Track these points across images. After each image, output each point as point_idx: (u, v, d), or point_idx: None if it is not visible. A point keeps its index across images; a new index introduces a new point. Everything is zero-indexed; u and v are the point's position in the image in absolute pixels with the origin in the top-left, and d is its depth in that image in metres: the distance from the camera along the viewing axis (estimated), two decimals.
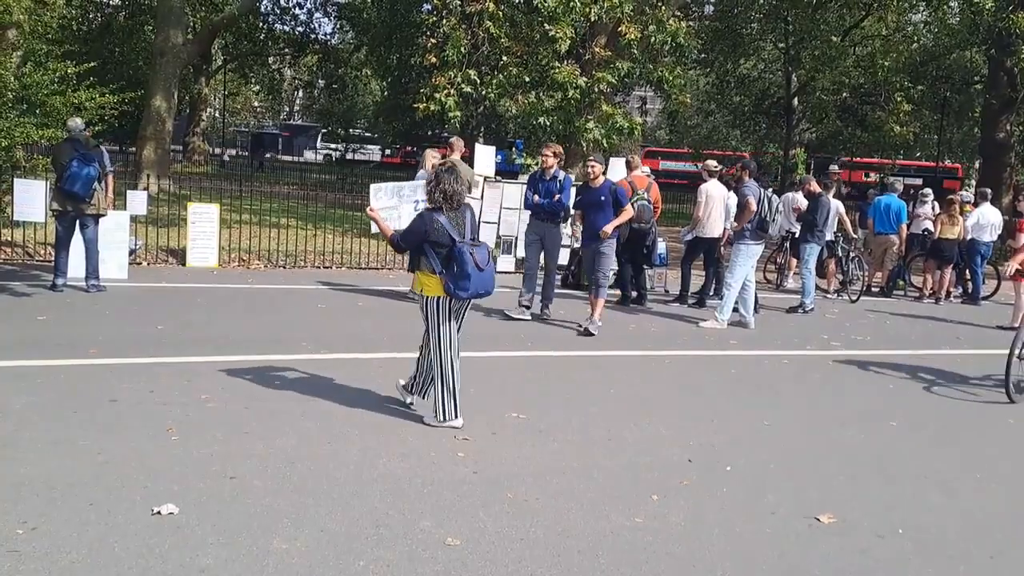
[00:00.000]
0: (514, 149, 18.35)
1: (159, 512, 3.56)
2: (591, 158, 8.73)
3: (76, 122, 8.77)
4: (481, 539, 3.57)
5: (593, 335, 7.96)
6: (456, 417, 4.97)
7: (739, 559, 3.57)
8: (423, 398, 5.16)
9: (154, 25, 21.00)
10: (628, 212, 8.54)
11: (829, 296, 11.77)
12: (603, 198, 8.32)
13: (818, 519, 4.02)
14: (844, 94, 29.56)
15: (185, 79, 30.32)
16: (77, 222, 8.43)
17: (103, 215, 8.64)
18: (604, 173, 8.72)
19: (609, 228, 8.20)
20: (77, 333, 6.71)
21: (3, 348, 6.05)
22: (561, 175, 8.67)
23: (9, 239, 10.70)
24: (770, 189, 9.32)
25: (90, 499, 3.66)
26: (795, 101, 31.12)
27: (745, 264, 8.86)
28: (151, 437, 4.47)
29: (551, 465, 4.53)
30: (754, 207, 8.72)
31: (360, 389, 5.62)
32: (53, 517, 3.47)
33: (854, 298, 11.52)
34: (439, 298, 4.93)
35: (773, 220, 8.90)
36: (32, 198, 9.37)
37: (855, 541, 3.82)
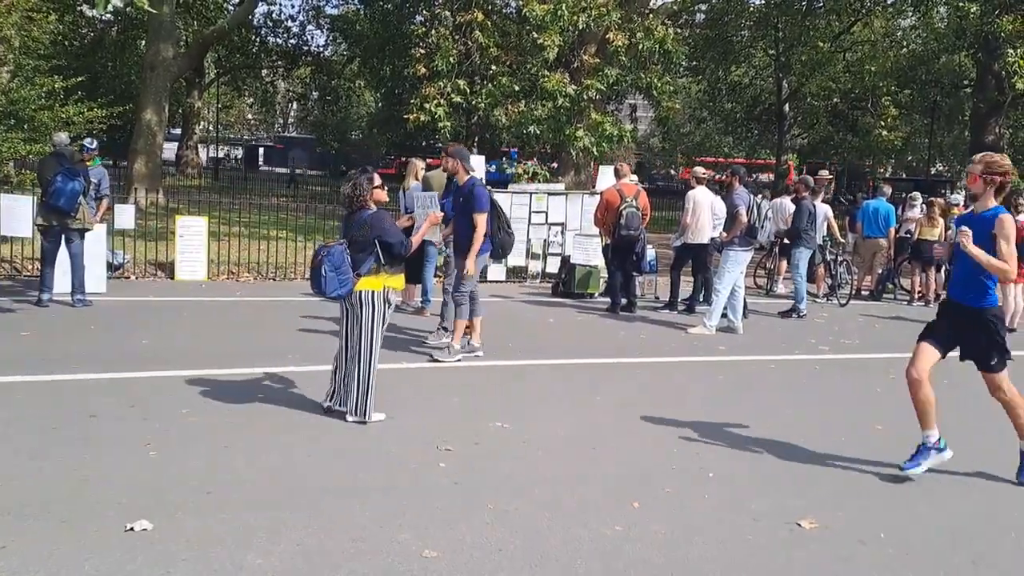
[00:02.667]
0: (506, 159, 18.37)
1: (132, 528, 3.53)
2: (448, 147, 7.49)
3: (61, 137, 8.77)
4: (459, 551, 3.54)
5: (441, 363, 6.85)
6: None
7: (720, 566, 3.54)
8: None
9: (146, 40, 21.03)
10: (480, 226, 6.79)
11: (818, 300, 11.77)
12: (460, 200, 7.02)
13: (800, 525, 4.00)
14: (835, 99, 29.72)
15: (178, 93, 30.39)
16: (62, 236, 8.41)
17: (89, 229, 8.63)
18: (469, 169, 7.12)
19: (470, 264, 6.77)
20: (61, 348, 6.68)
21: None
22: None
23: None
24: (760, 196, 9.33)
25: (63, 516, 3.63)
26: (786, 107, 31.28)
27: (734, 270, 8.86)
28: (129, 452, 4.44)
29: (533, 475, 4.50)
30: (744, 219, 8.74)
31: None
32: (25, 535, 3.43)
33: (843, 302, 11.53)
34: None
35: (762, 227, 8.90)
36: (19, 213, 9.36)
37: (837, 547, 3.80)
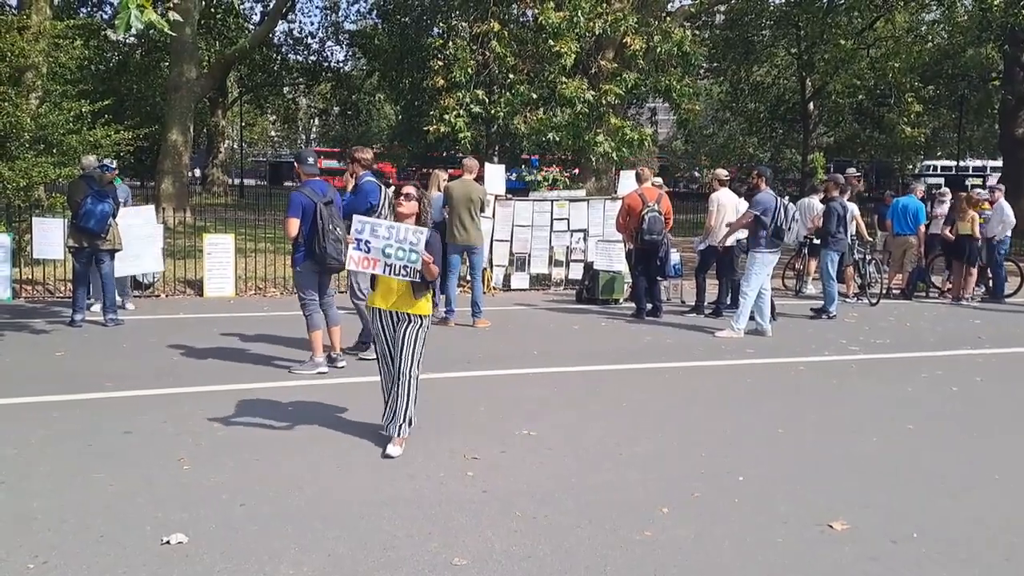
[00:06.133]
0: (527, 166, 18.40)
1: (168, 541, 3.59)
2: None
3: (90, 160, 8.94)
4: (489, 559, 3.55)
5: (294, 374, 6.66)
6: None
7: (751, 569, 3.52)
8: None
9: (169, 61, 21.36)
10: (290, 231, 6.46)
11: (848, 300, 11.65)
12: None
13: (831, 526, 3.96)
14: (860, 96, 29.41)
15: (202, 112, 30.83)
16: (93, 257, 8.56)
17: (118, 250, 8.78)
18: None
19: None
20: (94, 367, 6.80)
21: (22, 384, 6.15)
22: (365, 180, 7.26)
23: (30, 277, 10.90)
24: (786, 197, 9.27)
25: (101, 531, 3.69)
26: (811, 106, 31.01)
27: (760, 272, 8.81)
28: (163, 467, 4.51)
29: (561, 482, 4.50)
30: (746, 220, 8.88)
31: (371, 412, 5.63)
32: (64, 550, 3.50)
33: (874, 301, 11.40)
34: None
35: (788, 228, 8.81)
36: (51, 236, 9.58)
37: (869, 548, 3.76)
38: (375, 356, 5.21)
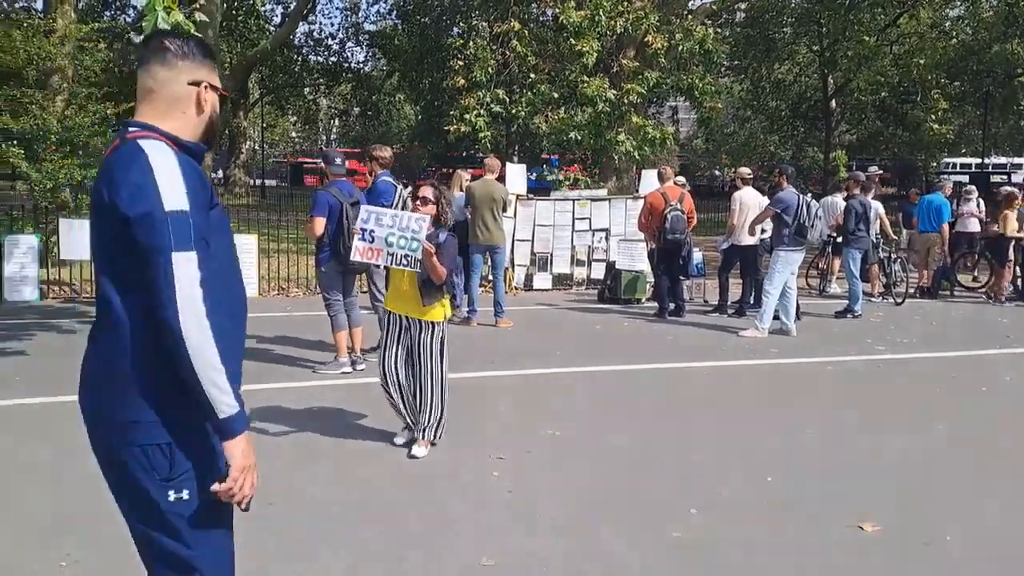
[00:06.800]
0: (547, 166, 18.38)
1: None
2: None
3: None
4: (517, 559, 3.54)
5: (318, 374, 6.74)
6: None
7: (780, 570, 3.49)
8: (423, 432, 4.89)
9: None
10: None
11: (873, 299, 11.53)
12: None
13: (861, 528, 3.92)
14: (883, 94, 29.10)
15: (224, 114, 31.07)
16: None
17: None
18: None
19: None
20: None
21: (52, 384, 6.21)
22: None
23: (57, 278, 11.02)
24: (809, 194, 9.19)
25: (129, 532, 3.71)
26: (833, 103, 30.74)
27: (783, 271, 8.73)
28: None
29: (587, 482, 4.48)
30: (766, 215, 8.92)
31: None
32: (98, 549, 3.53)
33: (899, 300, 11.27)
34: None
35: (811, 226, 8.72)
36: (77, 237, 9.67)
37: (900, 550, 3.71)
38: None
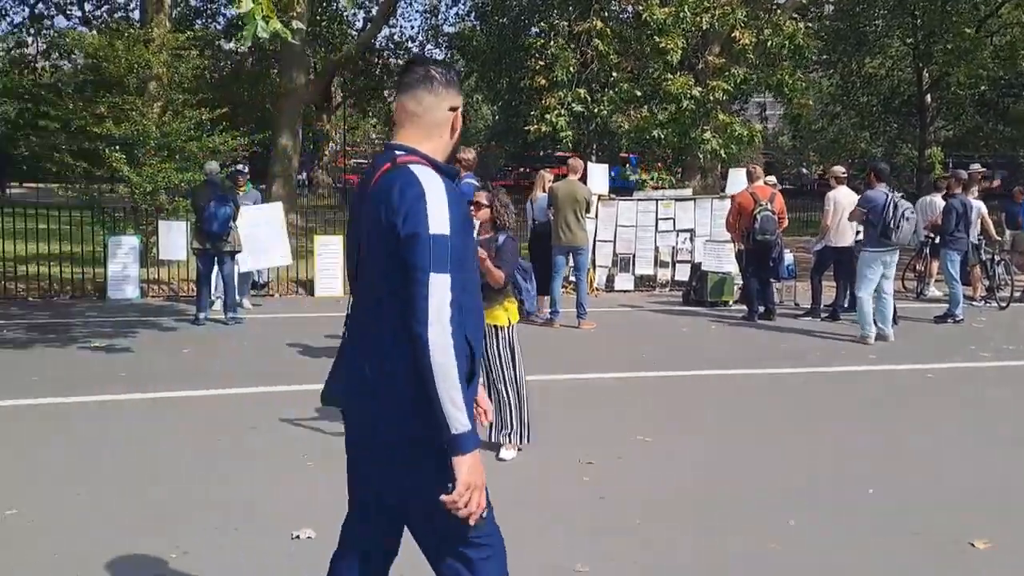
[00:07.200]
0: (628, 165, 18.19)
1: (298, 536, 3.68)
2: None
3: (212, 165, 9.33)
4: (610, 566, 3.49)
5: None
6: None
7: None
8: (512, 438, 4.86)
9: (279, 69, 22.14)
10: None
11: (975, 304, 10.99)
12: None
13: (972, 544, 3.71)
14: (982, 87, 27.69)
15: (307, 117, 31.86)
16: (215, 259, 8.93)
17: (239, 251, 9.13)
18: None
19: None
20: (218, 364, 7.09)
21: (153, 379, 6.47)
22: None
23: (156, 277, 11.48)
24: (899, 193, 8.74)
25: (236, 524, 3.82)
26: (928, 98, 29.45)
27: (867, 273, 8.36)
28: (288, 464, 4.64)
29: (679, 489, 4.39)
30: (855, 216, 8.68)
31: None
32: (202, 541, 3.64)
33: (1003, 305, 10.72)
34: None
35: (897, 227, 8.20)
36: (175, 238, 10.05)
37: (1017, 569, 3.49)
38: None
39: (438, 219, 1.93)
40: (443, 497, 1.95)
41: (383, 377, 2.02)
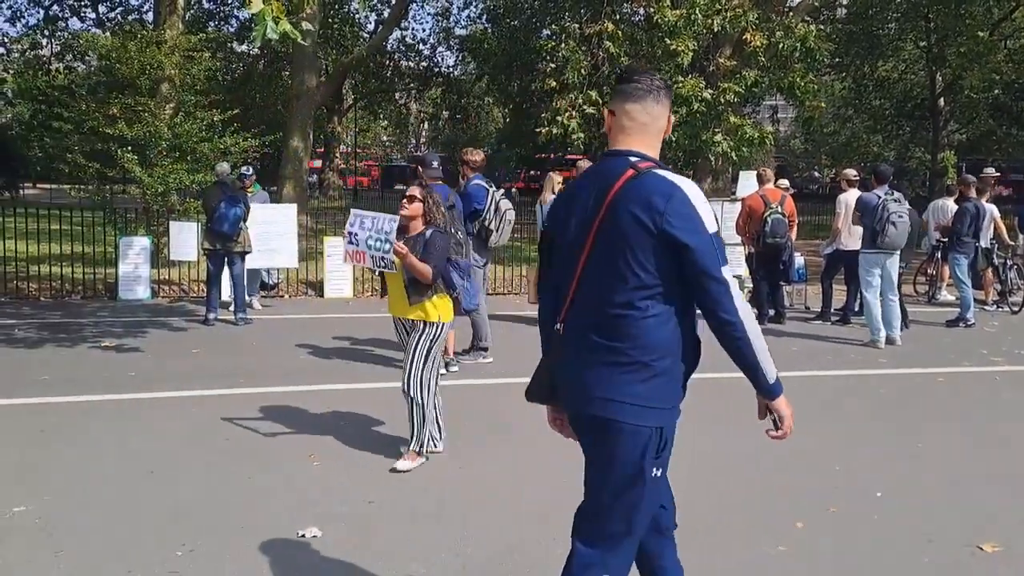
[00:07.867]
0: None
1: (304, 535, 3.68)
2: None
3: (223, 167, 9.37)
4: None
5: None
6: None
7: None
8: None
9: (290, 71, 22.21)
10: None
11: (987, 308, 10.91)
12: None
13: (980, 548, 3.68)
14: (996, 91, 27.51)
15: (319, 119, 31.97)
16: (225, 259, 8.97)
17: (249, 252, 9.16)
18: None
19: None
20: (227, 364, 7.12)
21: (162, 379, 6.49)
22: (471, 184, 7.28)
23: (167, 277, 11.53)
24: (893, 193, 8.57)
25: (242, 522, 3.83)
26: (941, 101, 29.29)
27: (865, 275, 8.31)
28: (294, 462, 4.65)
29: (689, 492, 4.33)
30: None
31: (489, 412, 5.65)
32: (209, 539, 3.65)
33: (1015, 309, 10.63)
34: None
35: (883, 230, 8.06)
36: (186, 239, 10.09)
37: None
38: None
39: (710, 220, 2.22)
40: (774, 431, 2.46)
41: (633, 365, 2.30)
